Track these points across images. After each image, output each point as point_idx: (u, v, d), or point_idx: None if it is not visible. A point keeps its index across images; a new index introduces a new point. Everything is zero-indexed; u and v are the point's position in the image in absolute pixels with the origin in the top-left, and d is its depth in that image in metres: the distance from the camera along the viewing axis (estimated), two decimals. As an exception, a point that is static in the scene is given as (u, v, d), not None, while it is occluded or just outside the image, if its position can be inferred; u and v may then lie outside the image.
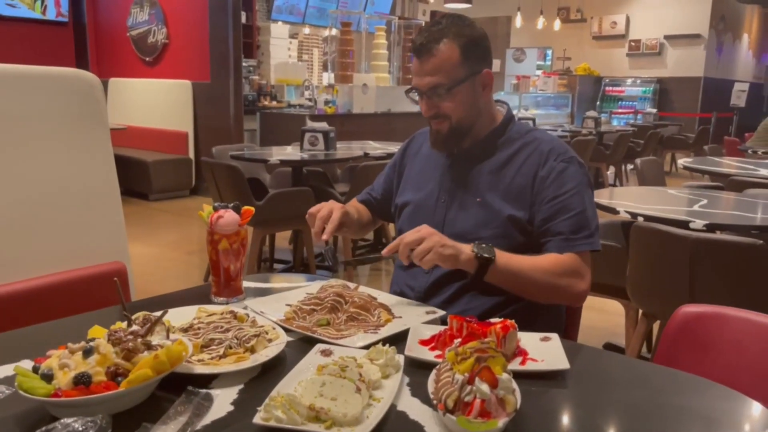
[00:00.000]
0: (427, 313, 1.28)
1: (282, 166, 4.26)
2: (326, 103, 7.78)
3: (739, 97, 10.69)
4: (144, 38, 7.47)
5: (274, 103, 9.24)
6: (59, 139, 1.82)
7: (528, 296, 1.38)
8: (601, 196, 2.83)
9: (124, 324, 1.05)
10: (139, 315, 1.08)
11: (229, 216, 1.33)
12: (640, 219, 2.46)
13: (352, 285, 1.44)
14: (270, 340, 1.12)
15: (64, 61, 7.88)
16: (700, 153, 9.66)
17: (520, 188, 1.42)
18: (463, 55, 1.40)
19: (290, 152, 4.36)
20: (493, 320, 1.11)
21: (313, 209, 1.47)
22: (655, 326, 2.76)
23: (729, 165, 4.18)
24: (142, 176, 6.73)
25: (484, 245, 1.33)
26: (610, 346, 3.14)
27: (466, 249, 1.32)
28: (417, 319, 1.24)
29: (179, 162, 6.93)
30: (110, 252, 1.96)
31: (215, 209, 1.34)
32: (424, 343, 1.12)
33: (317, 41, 11.01)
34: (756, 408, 0.96)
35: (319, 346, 1.07)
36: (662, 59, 12.31)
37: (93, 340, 0.92)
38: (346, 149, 4.78)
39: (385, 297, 1.38)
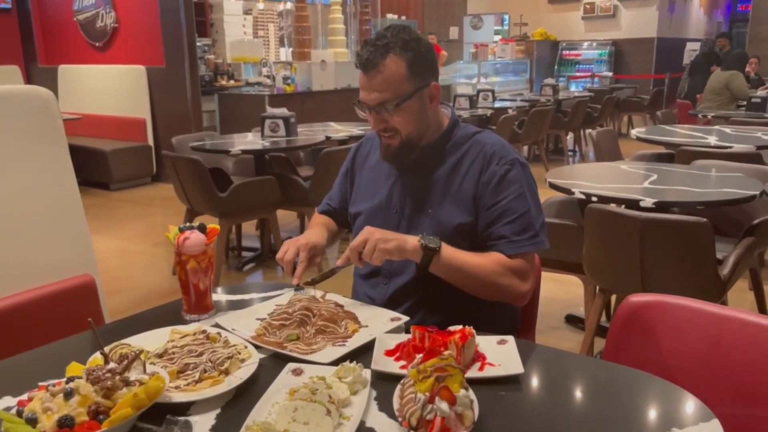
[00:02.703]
0: (392, 320, 1.34)
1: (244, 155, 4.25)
2: (285, 80, 7.71)
3: (691, 56, 10.90)
4: (92, 22, 7.25)
5: (232, 82, 9.12)
6: (17, 158, 1.82)
7: (472, 292, 1.44)
8: (559, 176, 2.92)
9: (99, 356, 1.09)
10: (116, 350, 1.13)
11: (195, 237, 1.37)
12: (594, 199, 2.56)
13: (319, 293, 1.50)
14: (243, 360, 1.17)
15: (9, 51, 7.64)
16: (654, 115, 9.90)
17: (467, 194, 1.47)
18: (410, 71, 1.42)
19: (251, 140, 4.35)
20: (452, 328, 1.19)
21: (279, 254, 1.50)
22: (613, 298, 2.90)
23: (679, 134, 4.33)
24: (101, 166, 6.62)
25: (431, 237, 1.40)
26: (571, 318, 3.29)
27: (412, 239, 1.39)
28: (382, 328, 1.31)
29: (138, 150, 6.83)
30: (78, 265, 1.97)
31: (181, 231, 1.38)
32: (389, 353, 1.19)
33: (272, 16, 10.83)
34: (692, 401, 1.06)
35: (290, 366, 1.14)
36: (616, 21, 12.46)
37: (72, 379, 0.97)
38: (308, 132, 4.79)
39: (350, 304, 1.44)
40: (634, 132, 4.30)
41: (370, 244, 1.36)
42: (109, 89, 7.14)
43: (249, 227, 5.01)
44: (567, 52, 12.91)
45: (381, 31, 1.47)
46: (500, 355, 1.18)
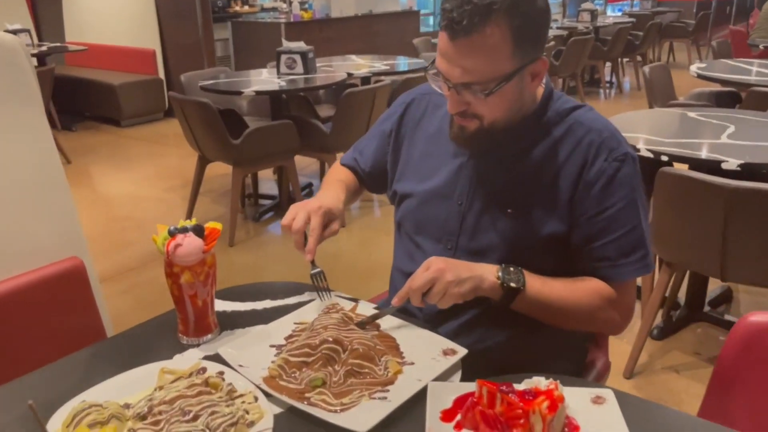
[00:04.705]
0: (445, 353, 1.04)
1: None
2: (302, 5, 7.19)
3: (740, -25, 10.04)
4: (94, -57, 6.72)
5: (246, 7, 8.59)
6: (-20, 123, 1.50)
7: (557, 326, 1.16)
8: (618, 126, 2.54)
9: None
10: (84, 415, 0.84)
11: (189, 243, 1.06)
12: (665, 158, 2.19)
13: (349, 304, 1.20)
14: (251, 424, 0.88)
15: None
16: (699, 39, 9.21)
17: (561, 194, 1.12)
18: (515, 44, 1.02)
19: (266, 78, 3.96)
20: (531, 383, 0.88)
21: (285, 220, 1.18)
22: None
23: (744, 70, 3.83)
24: (111, 101, 6.28)
25: (512, 269, 1.08)
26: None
27: (490, 275, 1.07)
28: (432, 367, 1.00)
29: (149, 83, 6.44)
30: (64, 247, 1.68)
31: (171, 234, 1.07)
32: (446, 415, 0.89)
33: (288, -67, 10.09)
34: None
35: (315, 442, 0.84)
36: (660, -64, 11.47)
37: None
38: (327, 68, 4.38)
39: (388, 320, 1.14)
40: (693, 68, 3.83)
41: (440, 286, 1.02)
42: (116, 17, 6.68)
43: (266, 171, 4.70)
44: (604, -29, 11.99)
45: None
46: (598, 420, 0.87)
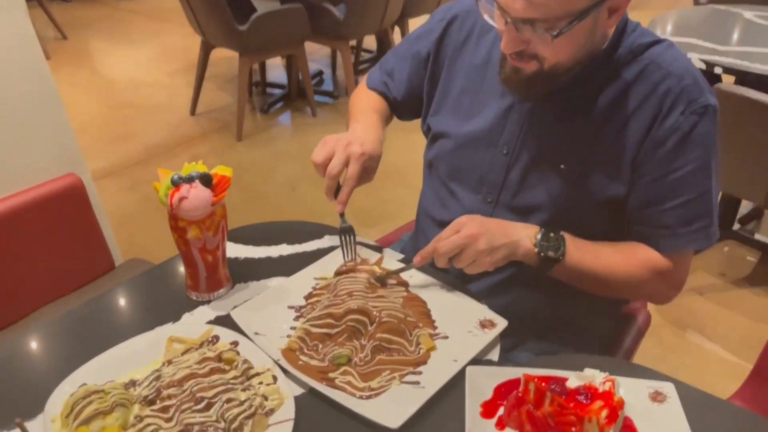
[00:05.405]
0: (482, 326, 0.94)
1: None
2: None
3: None
4: None
5: None
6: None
7: (597, 294, 1.05)
8: (663, 25, 2.30)
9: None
10: (85, 402, 0.75)
11: (195, 195, 0.92)
12: (718, 70, 1.98)
13: (373, 257, 1.08)
14: (271, 411, 0.80)
15: None
16: None
17: (625, 152, 0.95)
18: None
19: (274, -47, 3.59)
20: (585, 380, 0.78)
21: (318, 157, 1.02)
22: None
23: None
24: (106, -31, 5.84)
25: (552, 235, 0.96)
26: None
27: (527, 240, 0.96)
28: (469, 343, 0.90)
29: (146, -50, 5.96)
30: (60, 164, 1.56)
31: (174, 184, 0.93)
32: (486, 409, 0.80)
33: None
34: None
35: (342, 443, 0.76)
36: None
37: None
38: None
39: (417, 282, 1.03)
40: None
41: (470, 252, 0.91)
42: None
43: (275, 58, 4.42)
44: None
45: None
46: (658, 422, 0.78)
